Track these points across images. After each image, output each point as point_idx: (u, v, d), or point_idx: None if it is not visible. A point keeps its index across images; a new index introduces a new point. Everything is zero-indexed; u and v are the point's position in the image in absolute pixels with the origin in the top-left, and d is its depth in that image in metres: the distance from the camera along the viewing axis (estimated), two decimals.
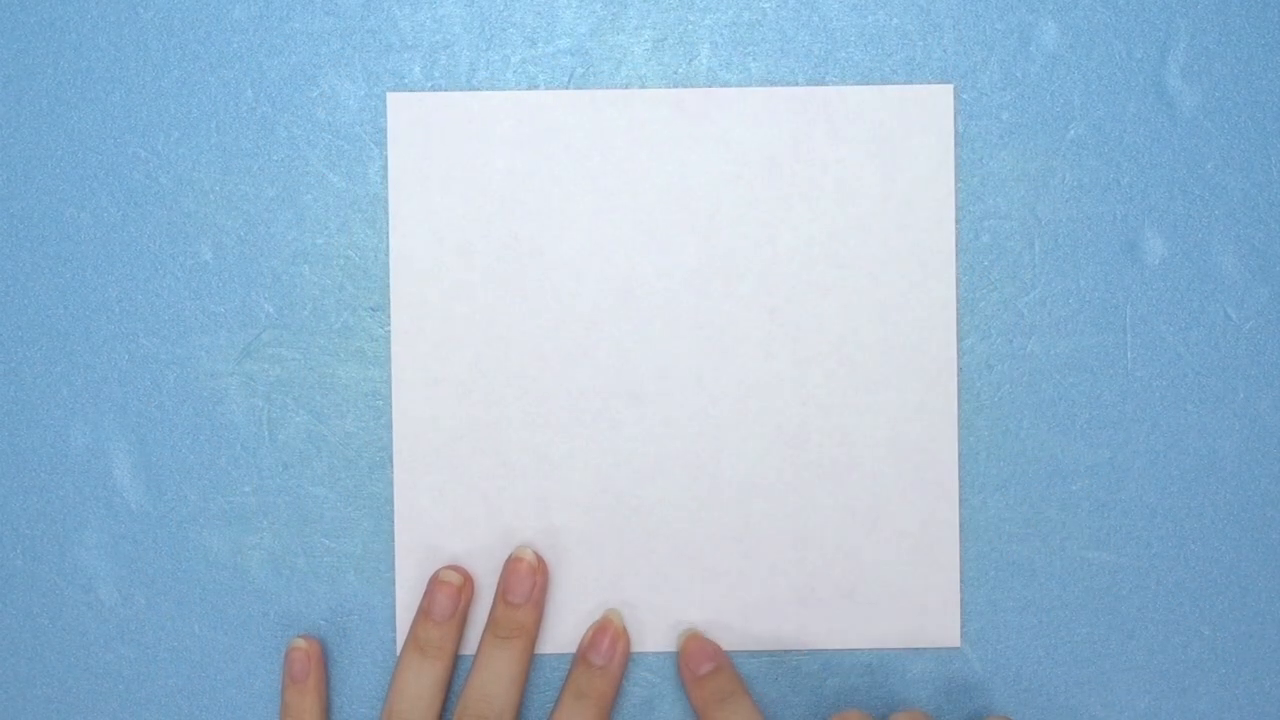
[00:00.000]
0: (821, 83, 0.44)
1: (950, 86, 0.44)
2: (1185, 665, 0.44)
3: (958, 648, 0.44)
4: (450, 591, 0.42)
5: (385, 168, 0.44)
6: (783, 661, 0.44)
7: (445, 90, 0.44)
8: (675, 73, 0.44)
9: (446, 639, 0.42)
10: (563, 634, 0.44)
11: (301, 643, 0.42)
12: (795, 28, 0.44)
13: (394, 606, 0.44)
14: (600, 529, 0.44)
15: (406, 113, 0.43)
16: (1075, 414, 0.44)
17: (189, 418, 0.44)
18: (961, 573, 0.44)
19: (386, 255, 0.44)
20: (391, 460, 0.44)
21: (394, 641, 0.44)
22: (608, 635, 0.42)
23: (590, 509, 0.44)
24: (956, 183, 0.44)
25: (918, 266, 0.44)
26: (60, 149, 0.44)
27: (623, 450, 0.44)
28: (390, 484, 0.44)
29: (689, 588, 0.44)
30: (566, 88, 0.44)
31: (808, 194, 0.43)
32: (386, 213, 0.44)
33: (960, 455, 0.44)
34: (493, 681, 0.41)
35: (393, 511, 0.44)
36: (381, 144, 0.44)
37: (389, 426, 0.44)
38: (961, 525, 0.44)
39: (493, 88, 0.44)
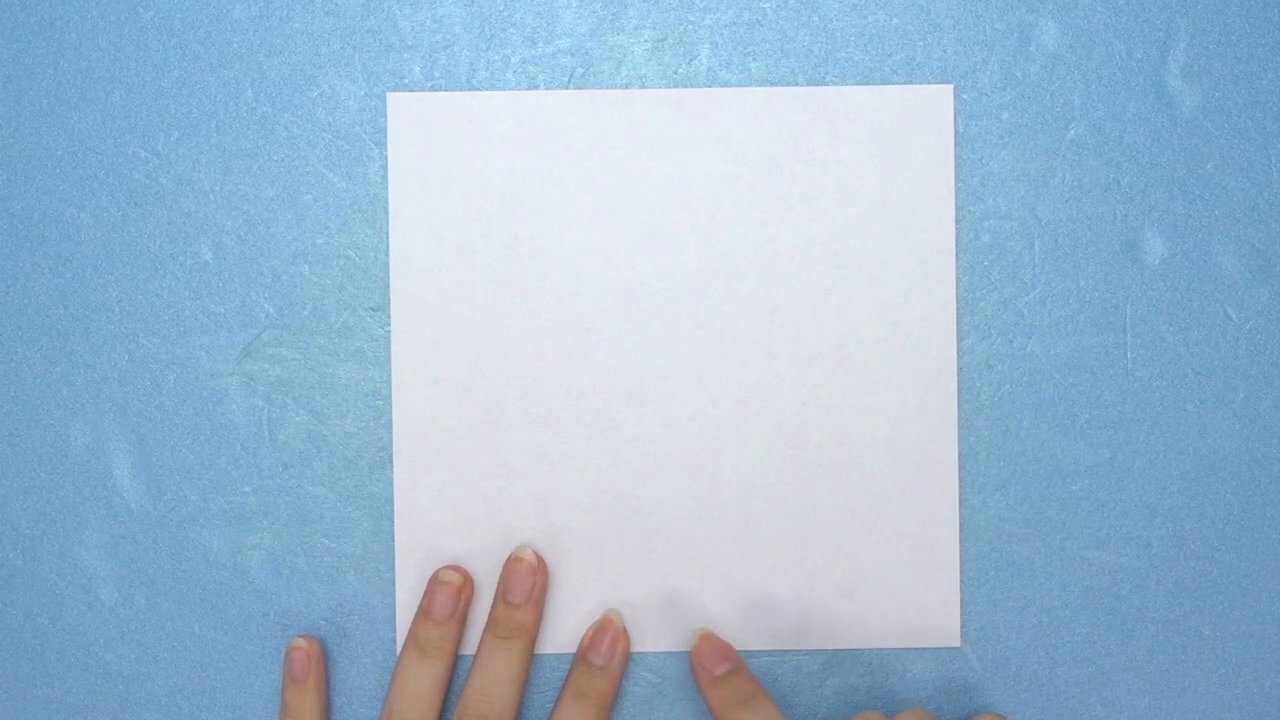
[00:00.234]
0: (821, 83, 0.44)
1: (950, 86, 0.44)
2: (1185, 665, 0.44)
3: (958, 648, 0.44)
4: (450, 591, 0.42)
5: (385, 168, 0.44)
6: (783, 661, 0.44)
7: (445, 90, 0.44)
8: (675, 73, 0.44)
9: (446, 639, 0.42)
10: (563, 634, 0.44)
11: (302, 642, 0.42)
12: (795, 28, 0.44)
13: (394, 606, 0.44)
14: (600, 529, 0.44)
15: (406, 113, 0.43)
16: (1075, 414, 0.44)
17: (189, 418, 0.44)
18: (961, 573, 0.44)
19: (386, 255, 0.44)
20: (391, 460, 0.44)
21: (394, 641, 0.44)
22: (608, 635, 0.42)
23: (590, 509, 0.44)
24: (956, 183, 0.44)
25: (918, 266, 0.44)
26: (60, 149, 0.44)
27: (623, 450, 0.44)
28: (390, 484, 0.44)
29: (689, 588, 0.44)
30: (566, 88, 0.44)
31: (808, 194, 0.43)
32: (386, 213, 0.44)
33: (960, 455, 0.44)
34: (493, 681, 0.41)
35: (393, 511, 0.44)
36: (381, 144, 0.44)
37: (389, 426, 0.44)
38: (961, 525, 0.44)
39: (493, 88, 0.44)
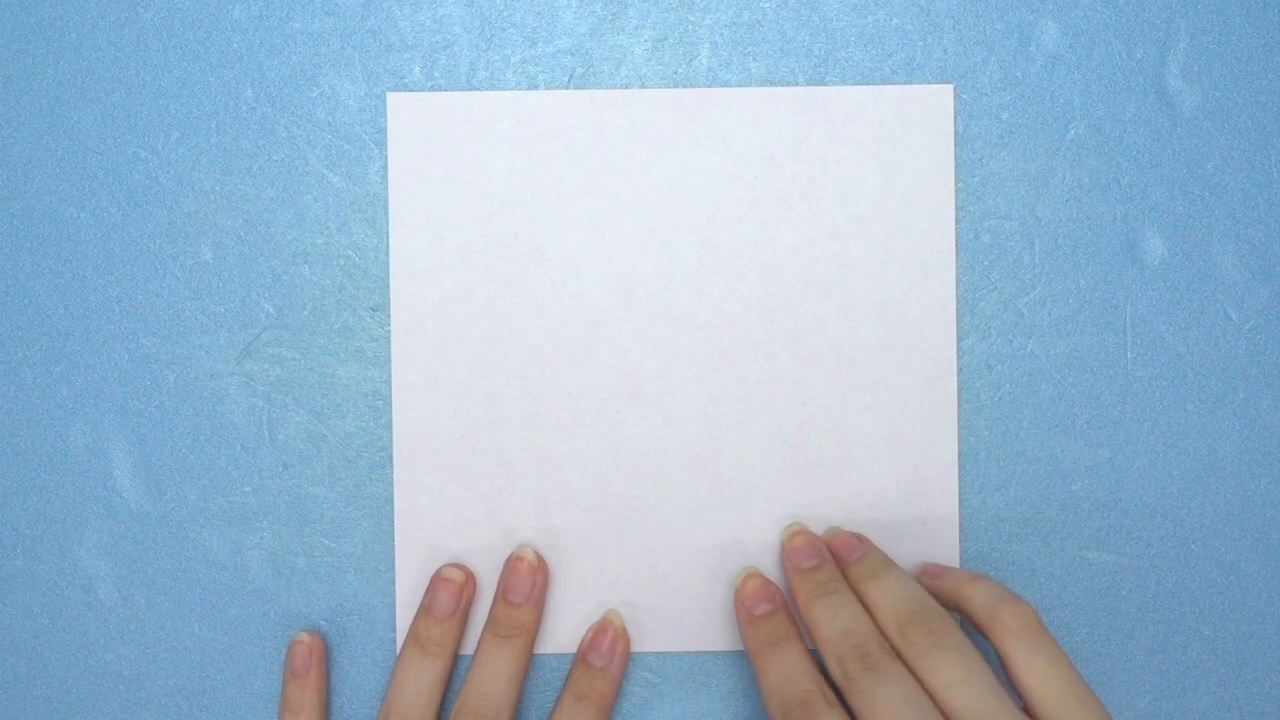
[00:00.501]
0: (821, 83, 0.44)
1: (950, 86, 0.44)
2: (1185, 665, 0.44)
3: None
4: (452, 589, 0.42)
5: (385, 168, 0.44)
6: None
7: (445, 90, 0.44)
8: (675, 73, 0.44)
9: (447, 637, 0.42)
10: (563, 634, 0.44)
11: (304, 637, 0.42)
12: (795, 28, 0.44)
13: (394, 606, 0.44)
14: (600, 529, 0.44)
15: (406, 113, 0.43)
16: (1075, 414, 0.44)
17: (189, 418, 0.44)
18: None
19: (386, 255, 0.44)
20: (391, 460, 0.44)
21: (394, 641, 0.44)
22: (608, 636, 0.42)
23: (590, 509, 0.44)
24: (956, 183, 0.44)
25: (918, 266, 0.44)
26: (60, 149, 0.44)
27: (623, 450, 0.44)
28: (390, 484, 0.44)
29: (689, 587, 0.44)
30: (566, 88, 0.44)
31: (808, 194, 0.43)
32: (386, 213, 0.44)
33: (960, 455, 0.44)
34: (491, 680, 0.41)
35: (393, 511, 0.44)
36: (381, 144, 0.44)
37: (389, 426, 0.44)
38: (961, 525, 0.44)
39: (493, 88, 0.44)
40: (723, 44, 0.44)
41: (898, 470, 0.44)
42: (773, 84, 0.44)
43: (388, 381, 0.44)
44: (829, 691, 0.38)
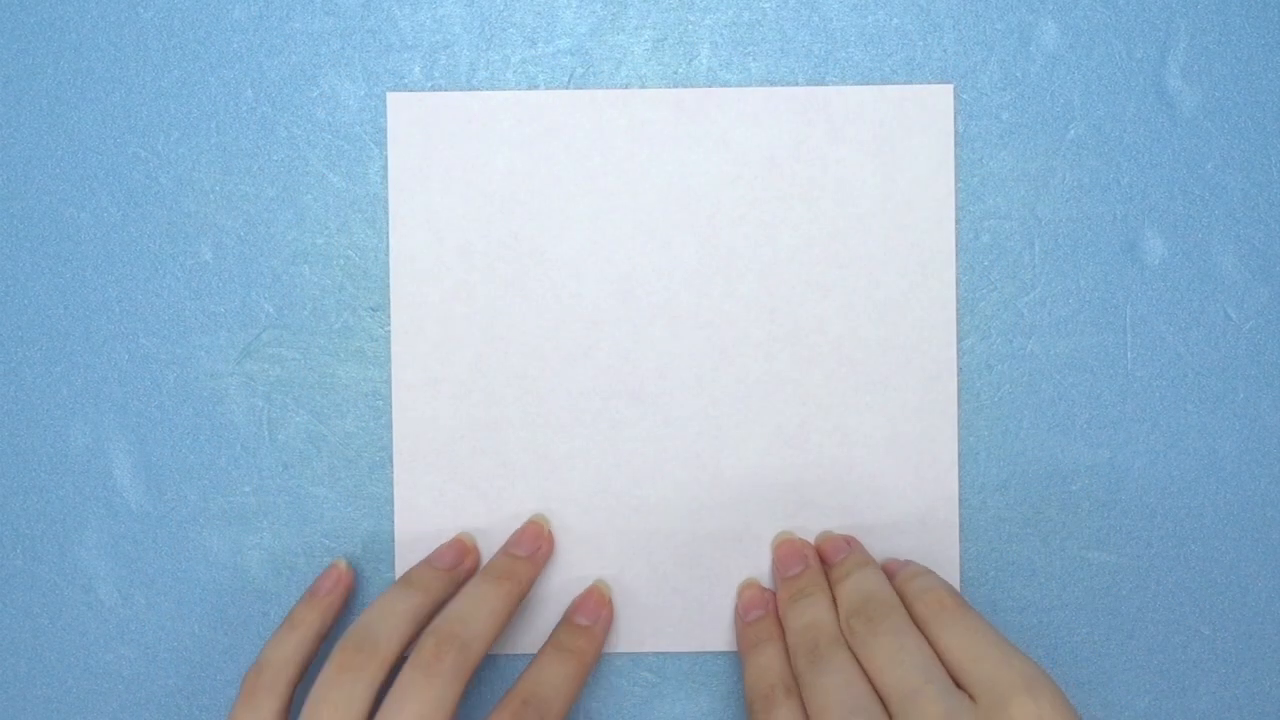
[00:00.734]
0: (821, 83, 0.44)
1: (950, 86, 0.44)
2: (1185, 665, 0.44)
3: None
4: (459, 548, 0.42)
5: (385, 168, 0.44)
6: None
7: (445, 90, 0.44)
8: (675, 73, 0.44)
9: (436, 581, 0.41)
10: None
11: (341, 564, 0.42)
12: (795, 28, 0.44)
13: None
14: (600, 529, 0.44)
15: (406, 112, 0.43)
16: (1075, 414, 0.44)
17: (189, 418, 0.44)
18: (961, 572, 0.44)
19: (386, 255, 0.44)
20: (391, 460, 0.44)
21: None
22: (593, 598, 0.43)
23: (590, 509, 0.44)
24: (956, 182, 0.44)
25: (917, 266, 0.44)
26: (60, 149, 0.44)
27: (623, 450, 0.44)
28: (390, 484, 0.44)
29: (689, 587, 0.44)
30: (566, 88, 0.44)
31: (808, 194, 0.43)
32: (386, 213, 0.44)
33: (960, 455, 0.44)
34: (472, 609, 0.39)
35: (393, 511, 0.44)
36: (381, 144, 0.44)
37: (389, 426, 0.44)
38: (961, 525, 0.44)
39: (493, 88, 0.44)
40: (723, 44, 0.44)
41: (898, 470, 0.44)
42: (773, 84, 0.44)
43: (388, 381, 0.44)
44: (792, 684, 0.40)
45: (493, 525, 0.44)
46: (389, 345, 0.44)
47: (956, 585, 0.44)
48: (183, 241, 0.44)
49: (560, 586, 0.44)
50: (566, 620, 0.42)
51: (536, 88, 0.44)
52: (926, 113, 0.44)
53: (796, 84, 0.44)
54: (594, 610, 0.42)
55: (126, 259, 0.44)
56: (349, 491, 0.44)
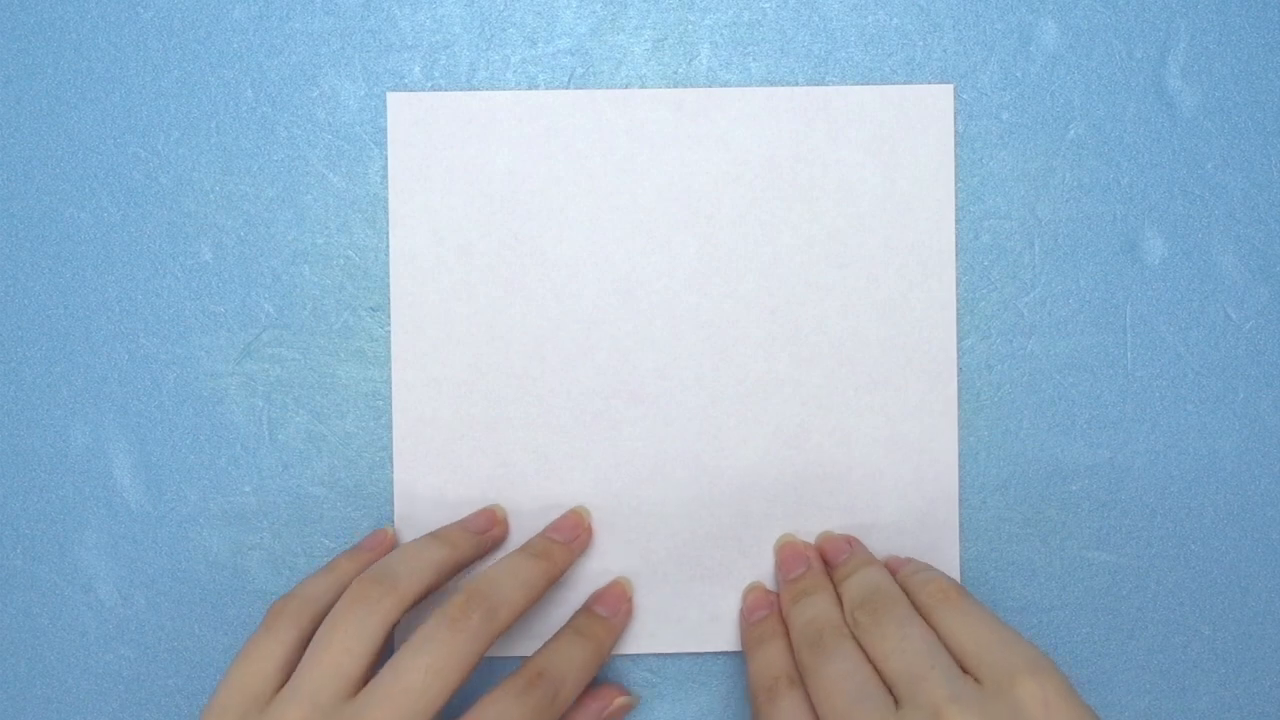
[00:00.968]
0: (821, 83, 0.44)
1: (950, 86, 0.44)
2: (1185, 665, 0.44)
3: None
4: (489, 515, 0.42)
5: (385, 168, 0.44)
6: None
7: (445, 90, 0.44)
8: (675, 73, 0.44)
9: (465, 540, 0.41)
10: None
11: (390, 532, 0.43)
12: (795, 28, 0.44)
13: None
14: (600, 529, 0.44)
15: (406, 112, 0.43)
16: (1075, 414, 0.44)
17: (189, 418, 0.44)
18: (961, 572, 0.44)
19: (386, 255, 0.44)
20: (391, 460, 0.44)
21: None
22: (614, 591, 0.43)
23: (590, 509, 0.44)
24: (956, 182, 0.44)
25: (917, 266, 0.44)
26: (60, 149, 0.44)
27: (623, 450, 0.44)
28: (390, 484, 0.44)
29: (689, 587, 0.44)
30: (566, 88, 0.44)
31: (808, 194, 0.43)
32: (386, 213, 0.44)
33: (960, 455, 0.44)
34: (504, 576, 0.39)
35: (393, 511, 0.44)
36: (381, 144, 0.44)
37: (389, 426, 0.44)
38: (961, 525, 0.44)
39: (493, 88, 0.44)
40: (723, 44, 0.44)
41: (898, 470, 0.44)
42: (773, 84, 0.44)
43: (388, 381, 0.44)
44: (796, 676, 0.40)
45: None
46: (389, 345, 0.44)
47: None
48: (183, 241, 0.44)
49: (560, 586, 0.44)
50: (586, 608, 0.42)
51: (536, 88, 0.44)
52: (927, 113, 0.44)
53: (796, 84, 0.44)
54: (614, 604, 0.43)
55: (126, 259, 0.44)
56: (349, 491, 0.44)
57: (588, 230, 0.43)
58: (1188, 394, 0.44)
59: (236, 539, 0.44)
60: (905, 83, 0.44)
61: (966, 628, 0.38)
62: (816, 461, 0.44)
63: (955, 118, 0.44)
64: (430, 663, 0.36)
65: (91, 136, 0.44)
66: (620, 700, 0.42)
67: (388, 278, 0.44)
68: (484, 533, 0.42)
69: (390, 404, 0.44)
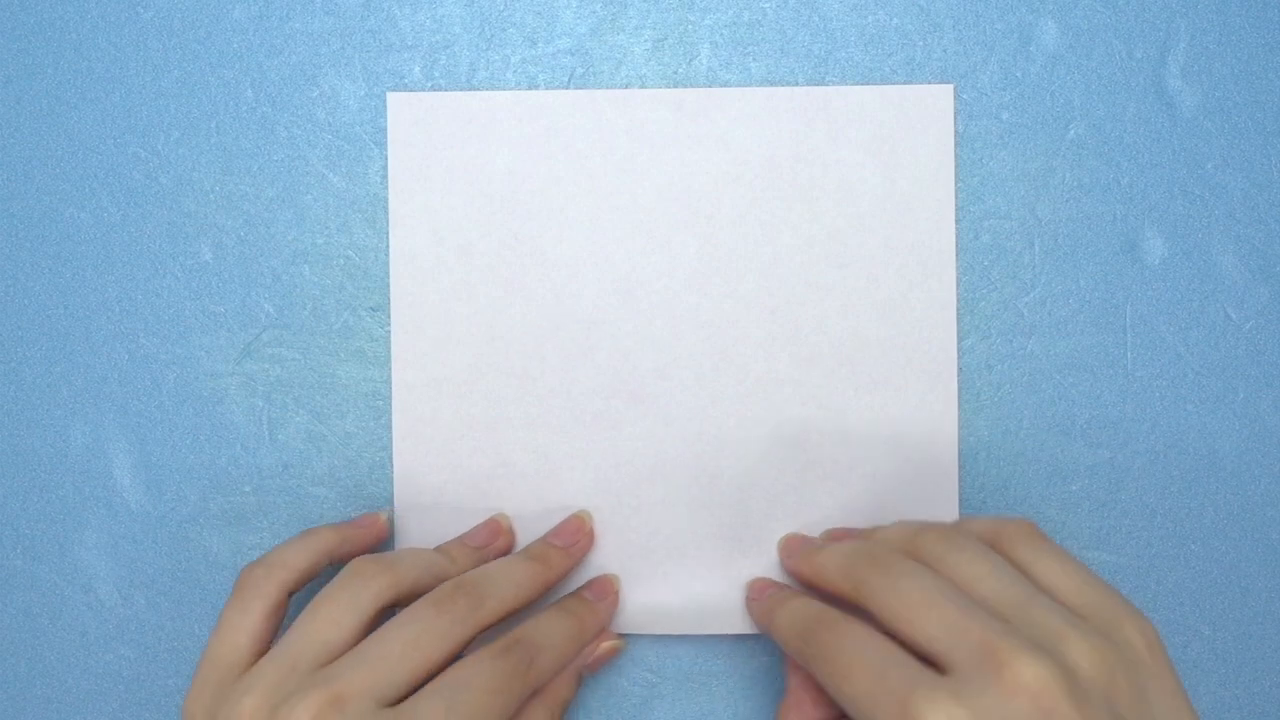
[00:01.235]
0: (821, 83, 0.44)
1: (950, 86, 0.44)
2: (1185, 665, 0.44)
3: None
4: (492, 527, 0.42)
5: (385, 168, 0.44)
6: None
7: (445, 90, 0.44)
8: (675, 73, 0.44)
9: (464, 556, 0.41)
10: None
11: (383, 518, 0.42)
12: (795, 28, 0.44)
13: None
14: (600, 529, 0.44)
15: (406, 112, 0.43)
16: (1075, 414, 0.44)
17: (189, 418, 0.44)
18: None
19: (387, 255, 0.44)
20: (391, 460, 0.44)
21: None
22: (602, 581, 0.43)
23: (590, 509, 0.44)
24: (956, 182, 0.44)
25: (918, 266, 0.44)
26: (60, 149, 0.44)
27: (623, 450, 0.44)
28: (390, 484, 0.44)
29: (689, 587, 0.44)
30: (566, 88, 0.44)
31: (808, 194, 0.43)
32: (386, 213, 0.44)
33: (960, 455, 0.44)
34: (496, 572, 0.39)
35: (393, 511, 0.44)
36: (381, 144, 0.44)
37: (389, 426, 0.44)
38: None
39: (493, 88, 0.44)
40: (723, 44, 0.44)
41: (898, 470, 0.44)
42: (773, 84, 0.44)
43: (388, 381, 0.44)
44: (839, 612, 0.36)
45: None
46: (389, 345, 0.44)
47: None
48: (183, 241, 0.44)
49: (559, 586, 0.44)
50: (574, 592, 0.43)
51: (536, 88, 0.44)
52: (927, 112, 0.44)
53: (796, 84, 0.44)
54: (601, 589, 0.43)
55: (126, 259, 0.44)
56: (349, 491, 0.44)
57: (588, 230, 0.43)
58: (1188, 394, 0.44)
59: (236, 539, 0.44)
60: (905, 83, 0.44)
61: (1061, 569, 0.35)
62: (816, 461, 0.44)
63: (955, 118, 0.44)
64: (410, 636, 0.36)
65: (91, 136, 0.44)
66: (607, 644, 0.42)
67: (388, 278, 0.44)
68: (485, 546, 0.42)
69: (390, 404, 0.44)
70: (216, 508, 0.44)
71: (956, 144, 0.44)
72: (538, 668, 0.38)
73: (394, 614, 0.38)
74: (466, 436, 0.43)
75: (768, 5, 0.44)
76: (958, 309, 0.44)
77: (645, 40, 0.44)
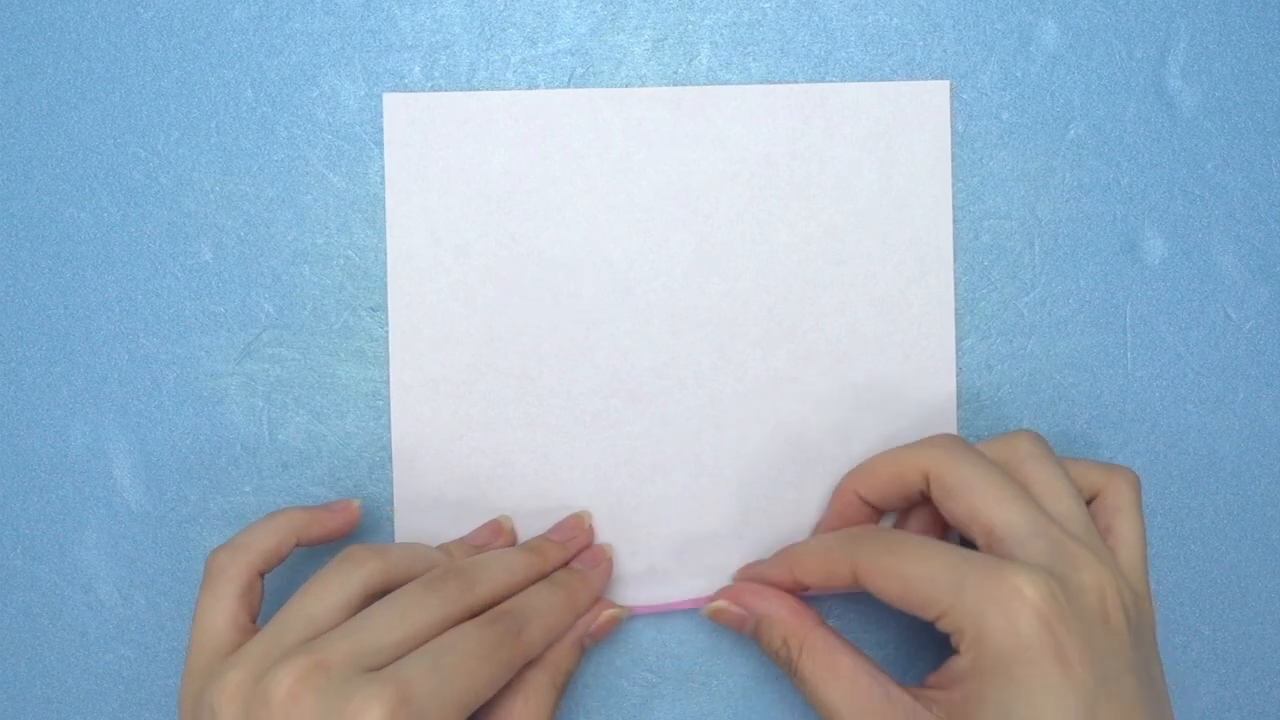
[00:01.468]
0: (821, 82, 0.44)
1: (947, 83, 0.44)
2: (1185, 665, 0.44)
3: None
4: (494, 527, 0.42)
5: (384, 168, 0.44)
6: None
7: (446, 90, 0.44)
8: (675, 73, 0.44)
9: (464, 553, 0.41)
10: None
11: (355, 505, 0.42)
12: (795, 28, 0.44)
13: None
14: (600, 528, 0.44)
15: (403, 113, 0.43)
16: (1075, 414, 0.44)
17: (189, 418, 0.44)
18: None
19: (386, 255, 0.44)
20: (391, 460, 0.44)
21: None
22: (594, 552, 0.43)
23: (590, 508, 0.44)
24: (954, 178, 0.44)
25: (915, 262, 0.44)
26: (60, 149, 0.44)
27: (622, 450, 0.44)
28: (390, 484, 0.44)
29: (689, 586, 0.44)
30: (566, 88, 0.44)
31: (805, 191, 0.43)
32: (386, 213, 0.44)
33: None
34: (489, 559, 0.40)
35: (393, 511, 0.44)
36: (381, 144, 0.44)
37: (389, 426, 0.44)
38: None
39: (493, 87, 0.44)
40: (723, 44, 0.44)
41: None
42: (772, 84, 0.44)
43: (387, 381, 0.44)
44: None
45: None
46: (388, 345, 0.44)
47: None
48: (183, 241, 0.44)
49: None
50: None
51: (536, 88, 0.44)
52: (923, 109, 0.44)
53: (795, 84, 0.44)
54: (592, 559, 0.42)
55: (126, 259, 0.44)
56: (349, 491, 0.44)
57: (585, 229, 0.43)
58: (1188, 394, 0.44)
59: None
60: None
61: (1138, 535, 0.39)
62: (815, 459, 0.43)
63: (953, 114, 0.44)
64: (397, 610, 0.36)
65: (91, 136, 0.44)
66: (608, 613, 0.42)
67: (387, 278, 0.44)
68: (485, 546, 0.42)
69: (390, 404, 0.44)
70: (216, 508, 0.44)
71: (956, 144, 0.44)
72: (526, 637, 0.38)
73: None
74: (466, 436, 0.43)
75: (768, 5, 0.44)
76: (957, 309, 0.44)
77: (645, 40, 0.44)
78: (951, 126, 0.44)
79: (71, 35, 0.44)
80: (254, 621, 0.39)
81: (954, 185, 0.44)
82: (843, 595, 0.44)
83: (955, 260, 0.44)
